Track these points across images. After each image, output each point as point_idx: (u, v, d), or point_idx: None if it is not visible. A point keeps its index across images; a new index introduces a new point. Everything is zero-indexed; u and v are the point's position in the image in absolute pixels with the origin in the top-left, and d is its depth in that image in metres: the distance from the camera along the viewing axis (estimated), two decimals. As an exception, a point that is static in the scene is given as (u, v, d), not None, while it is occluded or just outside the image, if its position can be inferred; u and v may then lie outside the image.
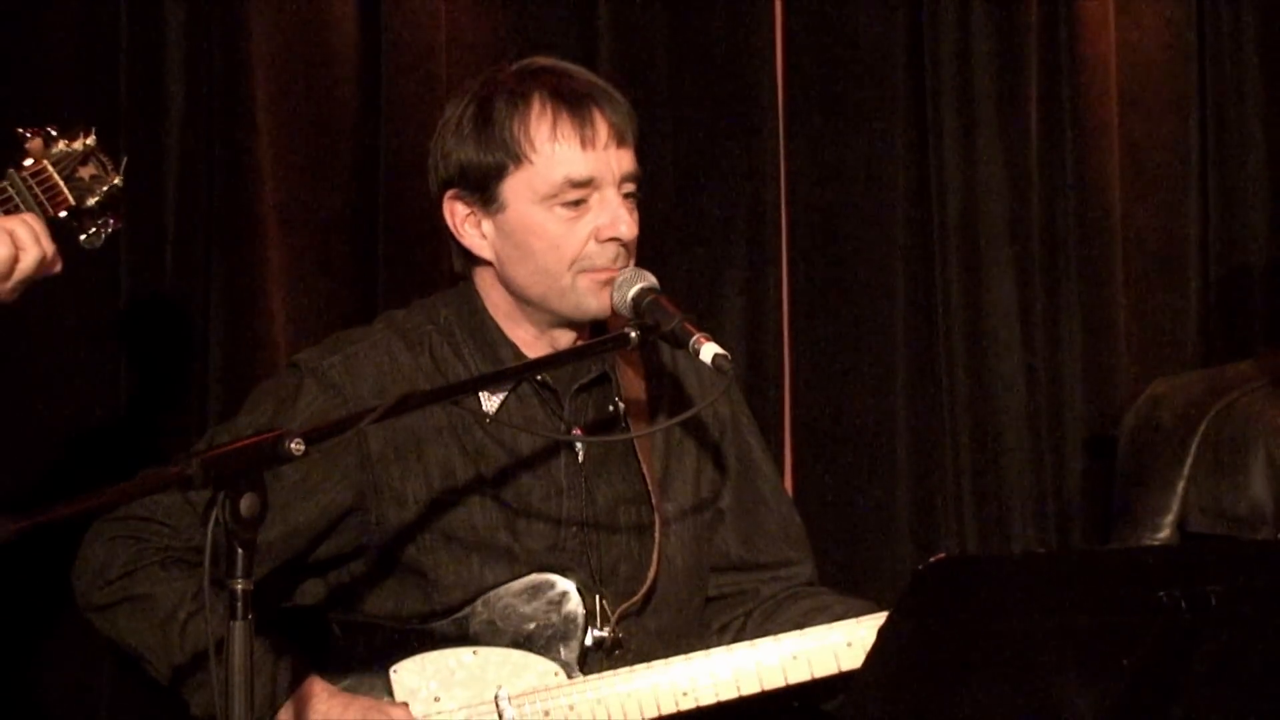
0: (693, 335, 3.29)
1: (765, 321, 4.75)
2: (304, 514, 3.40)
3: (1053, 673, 2.42)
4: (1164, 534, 4.38)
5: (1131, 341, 5.04)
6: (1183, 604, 2.37)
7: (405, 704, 3.37)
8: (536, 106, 3.42)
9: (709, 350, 3.26)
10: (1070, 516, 4.97)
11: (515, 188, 3.43)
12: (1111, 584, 2.44)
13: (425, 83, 4.48)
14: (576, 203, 3.42)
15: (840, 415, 4.82)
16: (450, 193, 3.49)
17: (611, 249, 3.42)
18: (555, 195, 3.41)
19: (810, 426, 4.80)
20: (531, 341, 3.52)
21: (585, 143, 3.41)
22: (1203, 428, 4.41)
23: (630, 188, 3.47)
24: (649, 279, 3.41)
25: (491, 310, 3.53)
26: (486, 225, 3.47)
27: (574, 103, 3.43)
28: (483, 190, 3.45)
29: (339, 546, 3.46)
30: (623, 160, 3.45)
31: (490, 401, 3.48)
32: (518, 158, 3.41)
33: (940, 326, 4.86)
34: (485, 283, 3.53)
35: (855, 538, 4.77)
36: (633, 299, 3.38)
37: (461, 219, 3.49)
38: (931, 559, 2.50)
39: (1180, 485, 4.40)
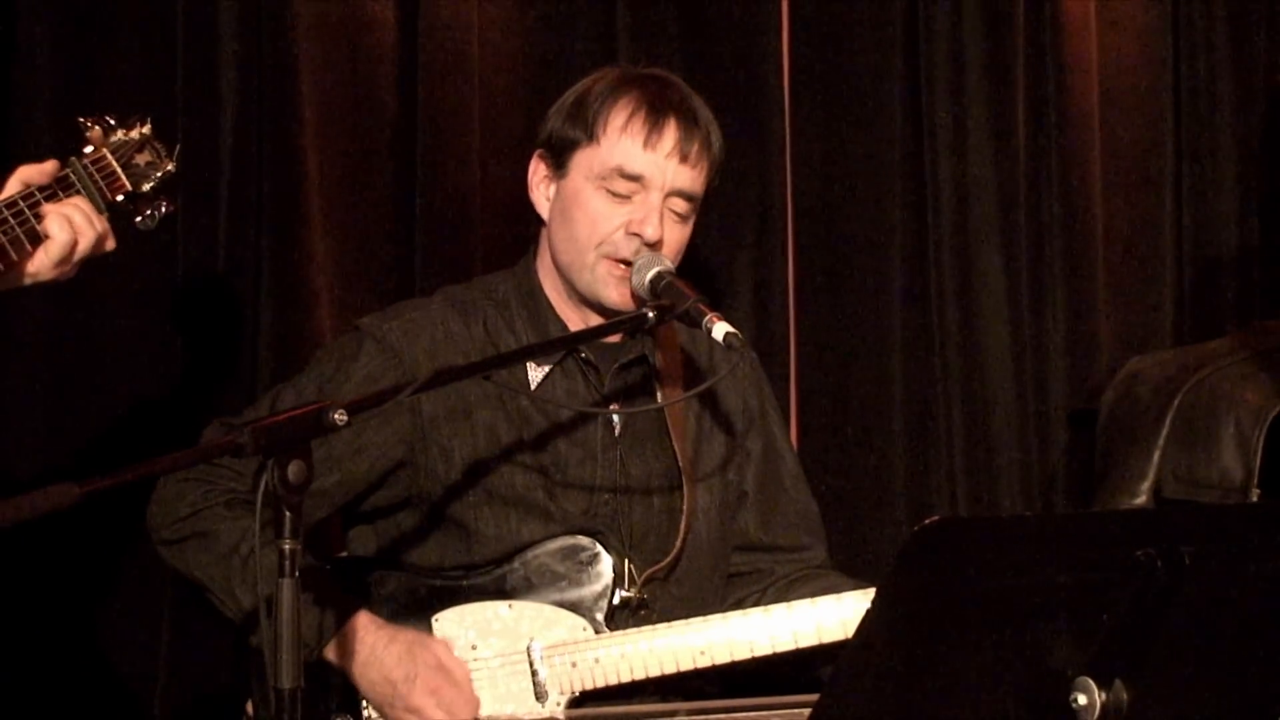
0: (706, 315, 3.31)
1: (773, 303, 4.74)
2: (358, 465, 3.45)
3: (1038, 627, 2.42)
4: (1140, 499, 4.38)
5: (1111, 322, 5.04)
6: (1158, 563, 2.36)
7: (446, 641, 3.38)
8: (624, 101, 3.50)
9: (721, 329, 3.28)
10: (1054, 483, 4.96)
11: (580, 161, 3.50)
12: (1093, 544, 2.43)
13: (459, 80, 4.48)
14: (623, 193, 3.45)
15: (841, 389, 4.81)
16: (539, 152, 3.60)
17: (634, 243, 3.46)
18: (606, 179, 3.47)
19: (814, 400, 4.79)
20: (573, 317, 3.56)
21: (648, 144, 3.46)
22: (1177, 401, 4.41)
23: (679, 204, 3.50)
24: (665, 263, 3.44)
25: (543, 281, 3.56)
26: (552, 188, 3.55)
27: (656, 109, 3.49)
28: (558, 156, 3.54)
29: (389, 497, 3.50)
30: (679, 175, 3.48)
31: (536, 373, 3.51)
32: (590, 136, 3.50)
33: (934, 308, 4.86)
34: (541, 246, 3.59)
35: (855, 502, 4.77)
36: (650, 281, 3.41)
37: (539, 178, 3.59)
38: (926, 521, 2.49)
39: (1156, 454, 4.40)
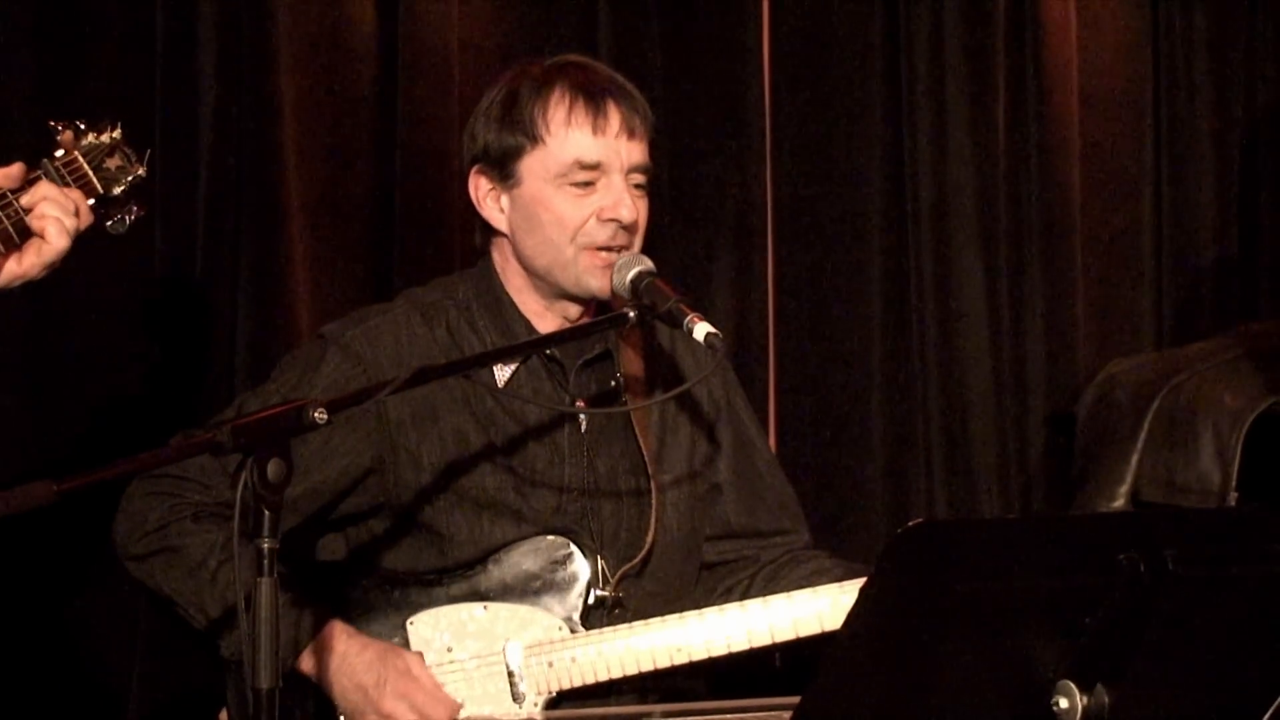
0: (687, 315, 3.28)
1: (752, 303, 4.74)
2: (326, 474, 3.40)
3: (1020, 629, 2.41)
4: (1119, 503, 4.38)
5: (1089, 325, 5.04)
6: (1141, 566, 2.36)
7: (419, 653, 3.37)
8: (556, 94, 3.44)
9: (701, 329, 3.25)
10: (1032, 486, 4.97)
11: (531, 166, 3.44)
12: (1076, 547, 2.42)
13: (438, 81, 4.47)
14: (585, 184, 3.43)
15: (820, 390, 4.81)
16: (476, 168, 3.51)
17: (610, 228, 3.42)
18: (565, 175, 3.42)
19: (793, 399, 4.79)
20: (542, 313, 3.52)
21: (597, 130, 3.42)
22: (1155, 405, 4.41)
23: (638, 178, 3.47)
24: (646, 263, 3.41)
25: (505, 283, 3.53)
26: (504, 200, 3.49)
27: (591, 93, 3.44)
28: (503, 167, 3.47)
29: (359, 505, 3.46)
30: (632, 151, 3.45)
31: (502, 372, 3.48)
32: (535, 139, 3.43)
33: (913, 310, 4.86)
34: (501, 255, 3.54)
35: (833, 502, 4.77)
36: (631, 281, 3.37)
37: (484, 193, 3.50)
38: (909, 523, 2.48)
39: (1134, 458, 4.40)
